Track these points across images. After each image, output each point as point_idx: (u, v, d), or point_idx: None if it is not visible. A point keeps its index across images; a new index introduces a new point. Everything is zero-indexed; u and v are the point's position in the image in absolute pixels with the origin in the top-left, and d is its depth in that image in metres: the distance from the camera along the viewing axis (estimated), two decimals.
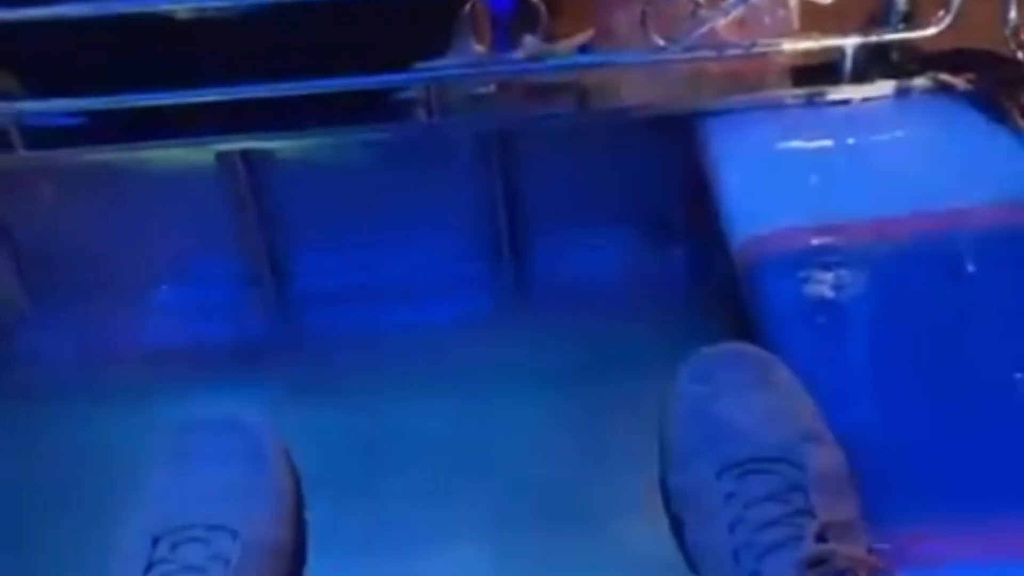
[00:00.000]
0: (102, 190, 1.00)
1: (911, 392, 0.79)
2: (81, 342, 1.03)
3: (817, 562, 0.63)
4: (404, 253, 1.04)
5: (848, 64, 0.95)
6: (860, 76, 0.95)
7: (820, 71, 0.96)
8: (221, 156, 0.99)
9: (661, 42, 0.92)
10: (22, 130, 0.94)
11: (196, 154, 0.99)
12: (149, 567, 0.67)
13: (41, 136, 0.95)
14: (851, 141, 0.94)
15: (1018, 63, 0.92)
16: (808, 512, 0.66)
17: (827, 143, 0.94)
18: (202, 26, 0.91)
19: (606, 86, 1.00)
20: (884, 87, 0.95)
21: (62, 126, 0.96)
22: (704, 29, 0.92)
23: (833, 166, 0.92)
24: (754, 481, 0.68)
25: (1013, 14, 0.90)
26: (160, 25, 0.90)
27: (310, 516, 0.74)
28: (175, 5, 0.89)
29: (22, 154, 0.95)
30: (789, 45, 0.95)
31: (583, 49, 1.01)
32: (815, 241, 0.87)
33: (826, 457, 0.70)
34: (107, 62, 0.92)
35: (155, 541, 0.68)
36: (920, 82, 0.95)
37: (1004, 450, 0.73)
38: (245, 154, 0.99)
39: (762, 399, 0.72)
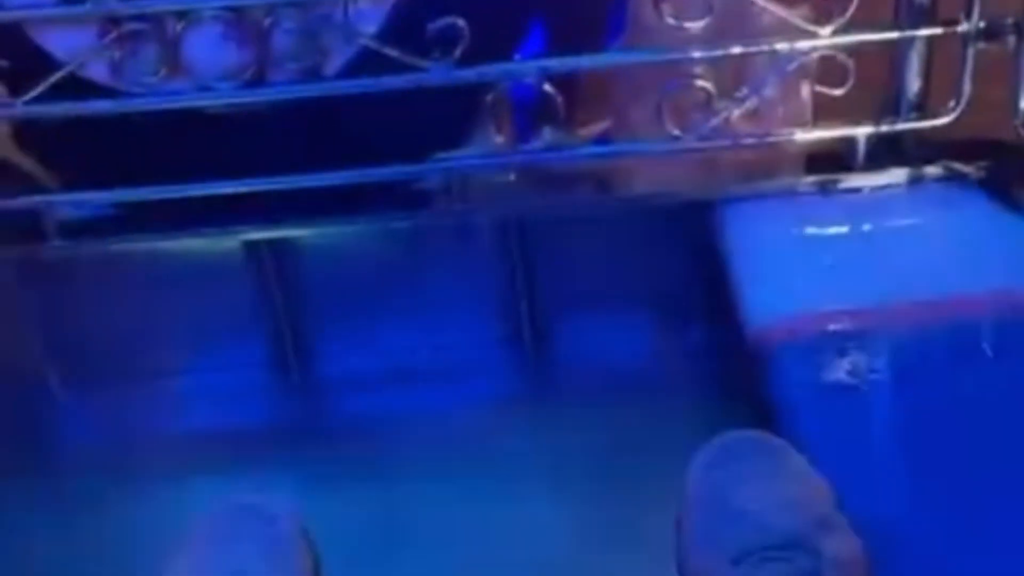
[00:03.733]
0: (133, 278, 1.02)
1: (928, 479, 0.79)
2: (110, 426, 1.05)
3: None
4: (426, 338, 1.05)
5: (861, 153, 0.96)
6: (872, 164, 0.97)
7: (833, 159, 0.97)
8: (248, 245, 1.01)
9: (676, 132, 0.94)
10: (56, 221, 0.97)
11: (224, 243, 1.01)
12: None
13: (74, 226, 0.98)
14: (864, 228, 0.95)
15: None
16: None
17: (841, 230, 0.96)
18: (230, 120, 0.94)
19: (623, 174, 1.02)
20: (896, 175, 0.97)
21: (94, 217, 0.98)
22: (719, 119, 0.94)
23: (847, 252, 0.93)
24: (771, 569, 0.68)
25: (1023, 104, 0.92)
26: (190, 119, 0.93)
27: None
28: (201, 102, 0.92)
29: (56, 244, 0.97)
30: (802, 134, 0.97)
31: (600, 139, 1.03)
32: (829, 327, 0.88)
33: (842, 544, 0.70)
34: (138, 155, 0.95)
35: None
36: (932, 170, 0.97)
37: None
38: (271, 243, 1.01)
39: (777, 486, 0.73)
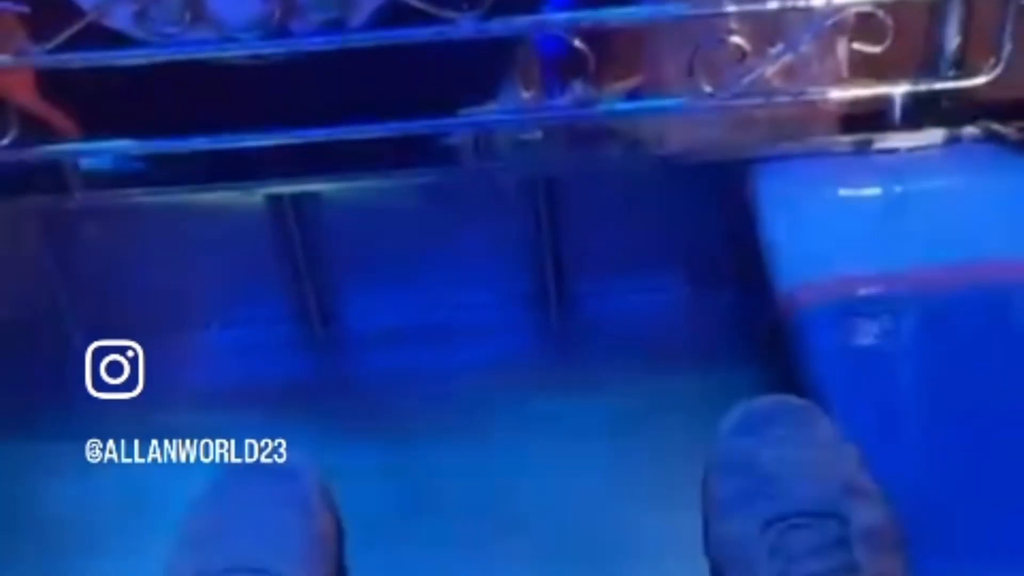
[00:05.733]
0: (155, 231, 1.02)
1: (959, 444, 0.78)
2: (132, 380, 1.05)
3: None
4: (450, 296, 1.05)
5: (897, 112, 0.94)
6: (909, 124, 0.94)
7: (869, 119, 0.95)
8: (271, 199, 1.00)
9: (709, 89, 0.92)
10: (78, 172, 0.96)
11: (246, 197, 1.00)
12: None
13: (97, 178, 0.97)
14: (899, 189, 0.93)
15: None
16: (853, 568, 0.65)
17: (875, 191, 0.94)
18: (255, 72, 0.93)
19: (653, 132, 1.00)
20: (933, 135, 0.95)
21: (117, 168, 0.98)
22: (752, 76, 0.92)
23: (880, 214, 0.92)
24: (798, 536, 0.67)
25: None
26: (213, 70, 0.92)
27: (349, 559, 0.74)
28: (224, 52, 0.90)
29: (78, 195, 0.97)
30: (837, 93, 0.95)
31: (631, 95, 1.01)
32: (861, 290, 0.86)
33: (871, 511, 0.69)
34: (160, 106, 0.94)
35: None
36: (969, 131, 0.95)
37: None
38: (294, 197, 1.00)
39: (805, 452, 0.72)
